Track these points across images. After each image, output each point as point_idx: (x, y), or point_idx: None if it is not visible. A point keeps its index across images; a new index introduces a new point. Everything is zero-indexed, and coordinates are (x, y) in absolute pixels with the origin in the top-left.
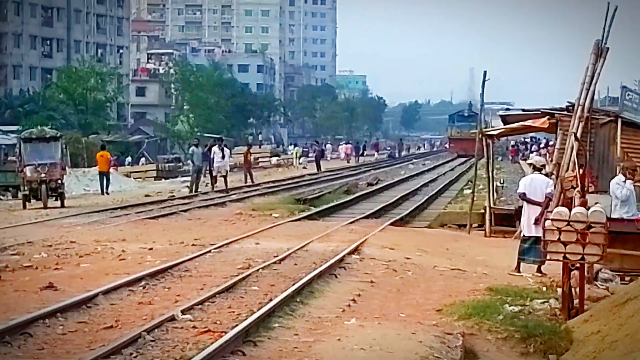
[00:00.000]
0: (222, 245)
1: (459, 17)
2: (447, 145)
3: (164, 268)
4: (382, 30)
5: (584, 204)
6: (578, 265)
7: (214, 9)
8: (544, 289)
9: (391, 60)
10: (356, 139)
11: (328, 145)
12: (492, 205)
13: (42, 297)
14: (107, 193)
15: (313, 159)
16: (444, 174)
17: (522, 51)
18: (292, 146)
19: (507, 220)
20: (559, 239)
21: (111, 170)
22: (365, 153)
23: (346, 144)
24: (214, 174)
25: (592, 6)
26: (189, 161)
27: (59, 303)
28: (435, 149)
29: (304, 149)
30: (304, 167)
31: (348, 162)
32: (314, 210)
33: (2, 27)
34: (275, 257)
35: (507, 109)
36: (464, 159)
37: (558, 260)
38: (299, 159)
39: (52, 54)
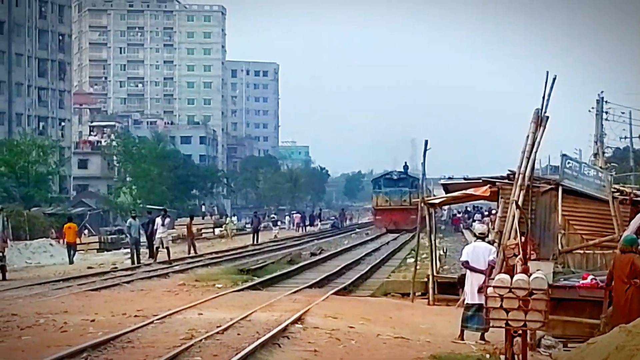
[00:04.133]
0: (165, 316)
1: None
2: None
3: (106, 339)
4: (323, 101)
5: (525, 271)
6: (521, 332)
7: (155, 81)
8: (488, 356)
9: (333, 130)
10: (299, 210)
11: (272, 215)
12: (435, 274)
13: None
14: (73, 262)
15: (261, 229)
16: (387, 243)
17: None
18: (231, 217)
19: (450, 289)
20: (501, 306)
21: (53, 242)
22: (315, 223)
23: (296, 213)
24: (156, 245)
25: (533, 75)
26: (128, 234)
27: None
28: None
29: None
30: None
31: (297, 231)
32: (257, 280)
33: None
34: (218, 327)
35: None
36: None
37: (501, 327)
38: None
39: None
